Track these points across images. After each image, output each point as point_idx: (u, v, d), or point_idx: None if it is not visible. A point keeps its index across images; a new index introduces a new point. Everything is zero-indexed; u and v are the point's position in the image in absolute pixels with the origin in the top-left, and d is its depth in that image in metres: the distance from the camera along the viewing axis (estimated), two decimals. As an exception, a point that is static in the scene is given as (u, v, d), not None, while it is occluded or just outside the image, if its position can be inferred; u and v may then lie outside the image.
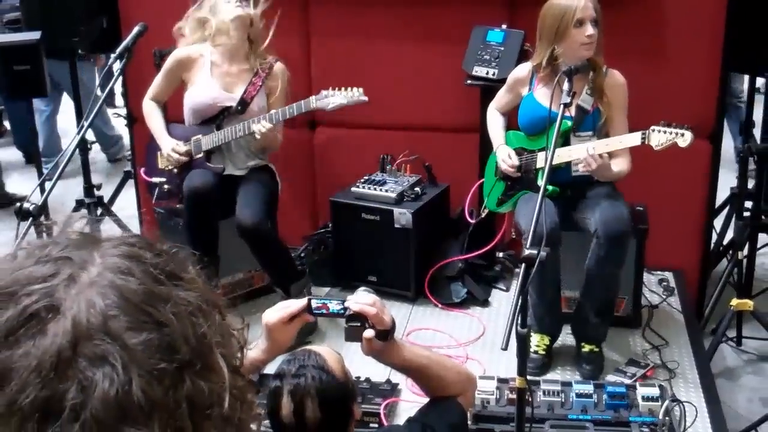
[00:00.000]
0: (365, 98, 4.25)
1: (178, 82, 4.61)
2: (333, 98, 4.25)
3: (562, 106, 3.47)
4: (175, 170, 4.58)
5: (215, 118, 4.53)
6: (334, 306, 2.38)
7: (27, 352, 0.92)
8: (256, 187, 4.50)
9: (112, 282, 0.97)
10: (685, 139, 3.75)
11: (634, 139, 3.89)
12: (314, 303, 2.39)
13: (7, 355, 0.92)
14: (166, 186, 4.63)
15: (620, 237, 3.94)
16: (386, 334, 2.37)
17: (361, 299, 2.37)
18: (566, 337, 4.36)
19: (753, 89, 5.24)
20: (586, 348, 4.19)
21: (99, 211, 5.71)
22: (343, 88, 4.26)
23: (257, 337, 2.36)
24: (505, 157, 4.26)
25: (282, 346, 2.43)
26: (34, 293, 0.95)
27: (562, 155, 3.99)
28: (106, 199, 5.95)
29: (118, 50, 4.19)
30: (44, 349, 0.91)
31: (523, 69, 4.27)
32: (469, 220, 4.76)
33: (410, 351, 2.45)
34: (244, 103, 4.49)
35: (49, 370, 0.91)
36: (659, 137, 3.79)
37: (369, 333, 2.33)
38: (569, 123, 4.02)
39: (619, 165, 4.03)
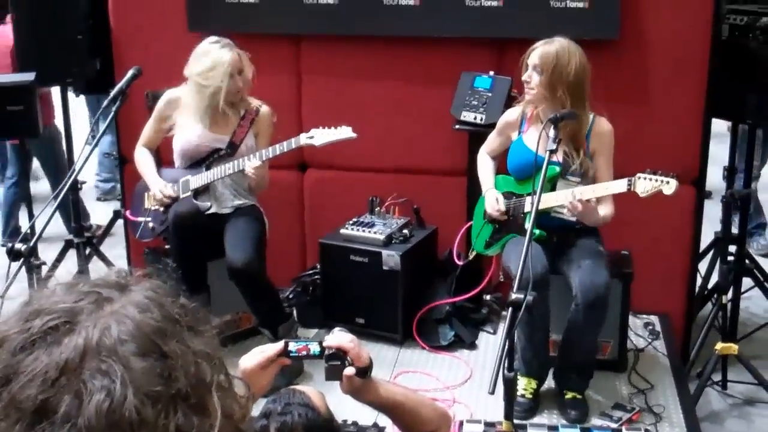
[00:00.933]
0: (354, 135, 4.31)
1: (169, 124, 4.64)
2: (322, 135, 4.31)
3: (548, 152, 3.54)
4: (161, 209, 4.61)
5: (204, 159, 4.56)
6: (313, 348, 2.40)
7: (37, 358, 1.01)
8: (244, 227, 4.52)
9: (131, 314, 1.07)
10: (670, 186, 3.81)
11: (620, 186, 3.95)
12: (292, 346, 2.40)
13: (19, 359, 1.02)
14: (150, 224, 4.67)
15: (598, 304, 3.96)
16: (365, 371, 2.40)
17: (339, 337, 2.41)
18: (553, 381, 4.38)
19: (735, 135, 5.32)
20: (569, 395, 4.21)
21: (88, 251, 5.74)
22: (331, 127, 4.32)
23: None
24: (493, 202, 4.32)
25: (259, 391, 2.44)
26: (58, 312, 1.06)
27: (549, 200, 4.04)
28: (94, 239, 5.98)
29: (112, 93, 4.23)
30: (54, 357, 1.01)
31: (513, 113, 4.33)
32: (457, 262, 4.80)
33: (386, 389, 2.47)
34: (233, 146, 4.53)
35: (53, 375, 0.99)
36: (645, 184, 3.84)
37: (350, 370, 2.35)
38: (557, 169, 4.07)
39: (604, 210, 4.09)
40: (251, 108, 4.58)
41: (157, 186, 4.59)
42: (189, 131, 4.55)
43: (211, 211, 4.59)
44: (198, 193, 4.58)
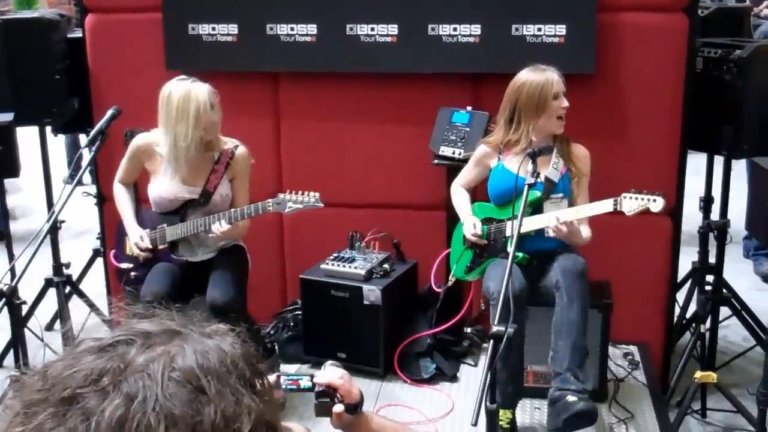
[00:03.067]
0: (321, 204, 4.29)
1: (142, 167, 4.59)
2: (290, 203, 4.27)
3: (526, 186, 3.58)
4: (141, 259, 4.57)
5: (178, 210, 4.51)
6: (304, 382, 2.42)
7: (95, 360, 1.12)
8: (227, 266, 4.52)
9: (192, 352, 1.15)
10: (657, 204, 3.88)
11: (606, 206, 4.00)
12: (283, 379, 2.43)
13: (82, 357, 1.13)
14: (132, 273, 4.63)
15: (578, 278, 4.02)
16: (355, 407, 2.41)
17: (329, 374, 2.43)
18: (534, 412, 4.41)
19: (711, 167, 5.38)
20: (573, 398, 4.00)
21: (68, 290, 5.72)
22: (300, 193, 4.28)
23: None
24: (470, 227, 4.35)
25: None
26: (134, 332, 1.17)
27: (532, 223, 4.08)
28: (74, 278, 5.97)
29: (92, 133, 4.26)
30: (107, 363, 1.11)
31: (488, 143, 4.39)
32: (436, 290, 4.82)
33: (378, 423, 2.48)
34: (207, 194, 4.47)
35: (94, 376, 1.09)
36: (631, 203, 3.91)
37: (339, 408, 2.37)
38: (538, 193, 4.12)
39: (586, 231, 4.15)
40: (226, 150, 4.50)
41: (134, 238, 4.52)
42: (161, 183, 4.47)
43: (197, 258, 4.59)
44: (175, 243, 4.56)
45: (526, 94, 4.14)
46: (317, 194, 4.29)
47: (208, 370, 1.13)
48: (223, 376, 1.13)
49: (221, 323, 3.84)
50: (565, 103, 4.16)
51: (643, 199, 3.89)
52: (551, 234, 4.08)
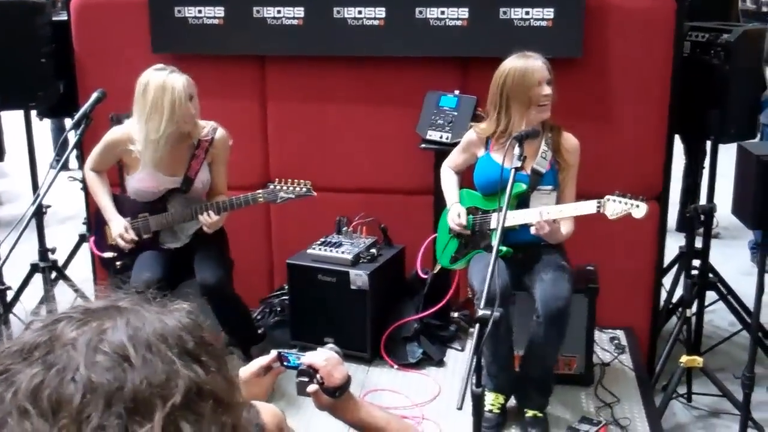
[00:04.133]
0: (313, 193, 4.27)
1: (116, 159, 4.53)
2: (280, 192, 4.26)
3: (513, 170, 3.56)
4: (126, 250, 4.50)
5: (161, 199, 4.46)
6: (293, 359, 2.45)
7: (33, 334, 1.16)
8: (211, 247, 4.50)
9: (124, 325, 1.17)
10: (639, 210, 3.85)
11: (589, 207, 3.98)
12: (283, 354, 2.46)
13: (24, 335, 1.16)
14: (118, 263, 4.56)
15: (558, 316, 3.98)
16: (334, 390, 2.43)
17: (314, 354, 2.44)
18: (514, 399, 4.41)
19: (698, 152, 5.39)
20: (529, 414, 4.22)
21: (54, 275, 5.70)
22: (291, 182, 4.27)
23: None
24: (455, 216, 4.33)
25: (256, 398, 2.48)
26: (78, 310, 1.20)
27: (517, 217, 4.07)
28: (60, 263, 5.94)
29: (76, 116, 4.21)
30: (39, 337, 1.14)
31: (478, 130, 4.35)
32: (422, 276, 4.82)
33: (367, 412, 2.48)
34: (188, 182, 4.42)
35: (27, 348, 1.13)
36: (615, 207, 3.88)
37: (312, 387, 2.41)
38: (524, 186, 4.10)
39: (566, 227, 4.13)
40: (204, 135, 4.44)
41: (117, 230, 4.44)
42: (141, 176, 4.40)
43: (178, 245, 4.56)
44: (158, 232, 4.52)
45: (510, 82, 4.09)
46: (309, 183, 4.26)
47: (138, 341, 1.13)
48: (155, 346, 1.14)
49: (213, 305, 3.86)
50: (546, 91, 4.05)
51: (626, 204, 3.86)
52: (533, 232, 4.06)
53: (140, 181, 4.42)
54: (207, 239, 4.52)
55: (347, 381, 2.43)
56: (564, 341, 4.13)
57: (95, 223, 4.71)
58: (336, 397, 2.42)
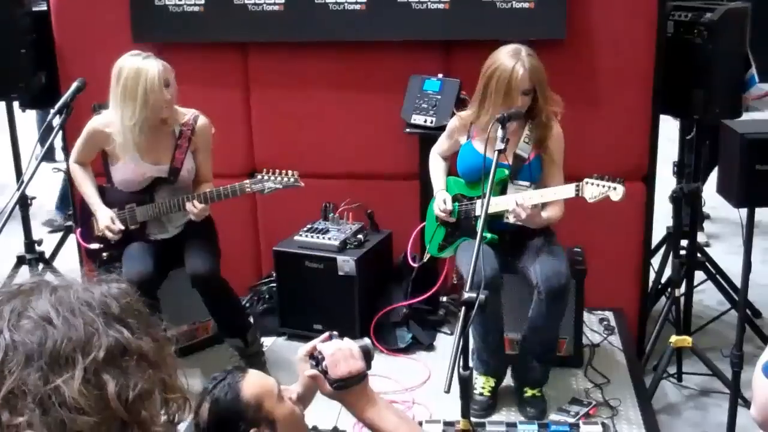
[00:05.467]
0: (301, 184, 4.23)
1: (99, 150, 4.47)
2: (268, 182, 4.22)
3: (496, 152, 3.54)
4: (112, 241, 4.45)
5: (147, 189, 4.42)
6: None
7: None
8: (201, 238, 4.47)
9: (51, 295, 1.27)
10: (617, 192, 3.84)
11: (568, 191, 3.97)
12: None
13: None
14: (104, 254, 4.53)
15: (560, 291, 4.00)
16: (334, 382, 2.44)
17: (328, 343, 2.51)
18: (511, 379, 4.40)
19: (684, 131, 5.38)
20: (528, 392, 4.23)
21: (41, 267, 5.68)
22: (278, 172, 4.23)
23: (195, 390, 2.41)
24: (440, 204, 4.32)
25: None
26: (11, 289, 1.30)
27: (499, 204, 4.05)
28: (47, 254, 5.92)
29: (57, 106, 4.19)
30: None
31: (461, 117, 4.32)
32: (411, 264, 4.80)
33: (377, 413, 2.47)
34: (174, 172, 4.38)
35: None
36: (593, 190, 3.87)
37: (310, 372, 2.47)
38: (506, 172, 4.09)
39: (549, 212, 4.11)
40: (186, 122, 4.39)
41: (104, 222, 4.38)
42: (126, 167, 4.36)
43: (166, 236, 4.53)
44: (145, 223, 4.48)
45: (495, 83, 4.02)
46: (296, 173, 4.23)
47: (61, 305, 1.23)
48: (79, 310, 1.23)
49: (204, 295, 3.91)
50: (520, 102, 3.97)
51: (603, 186, 3.85)
52: (511, 220, 4.04)
53: (124, 171, 4.38)
54: (196, 229, 4.49)
55: (354, 377, 2.46)
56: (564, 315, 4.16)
57: (81, 214, 4.66)
58: (335, 389, 2.45)
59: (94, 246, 4.54)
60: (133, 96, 4.13)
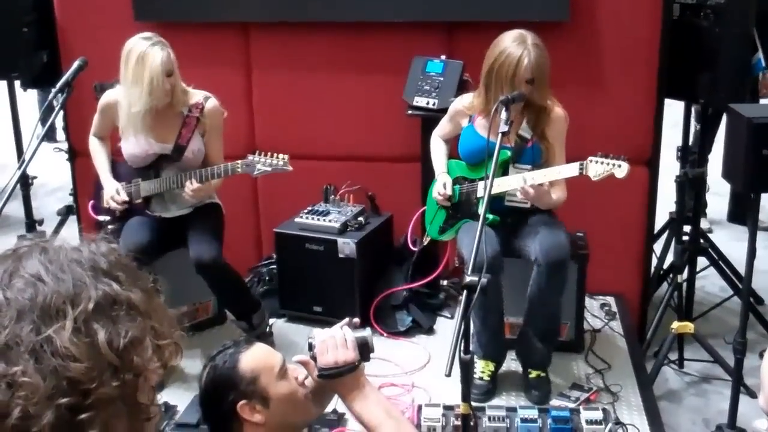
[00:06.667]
0: (290, 168, 4.19)
1: (112, 123, 4.51)
2: (258, 165, 4.19)
3: (500, 134, 3.50)
4: (117, 213, 4.49)
5: (152, 165, 4.44)
6: None
7: None
8: (206, 224, 4.47)
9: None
10: (622, 170, 3.81)
11: (572, 169, 3.94)
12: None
13: None
14: (109, 226, 4.56)
15: (560, 264, 3.98)
16: (320, 371, 2.45)
17: (328, 330, 2.51)
18: (511, 363, 4.39)
19: (689, 116, 5.34)
20: (533, 374, 4.22)
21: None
22: (269, 155, 4.19)
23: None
24: (440, 188, 4.30)
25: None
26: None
27: (501, 185, 4.02)
28: (47, 234, 5.90)
29: (58, 85, 4.16)
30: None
31: (464, 100, 4.30)
32: (412, 248, 4.78)
33: (365, 406, 2.45)
34: (179, 149, 4.38)
35: None
36: (597, 168, 3.84)
37: (297, 357, 2.49)
38: (508, 153, 4.06)
39: (557, 193, 4.08)
40: (196, 103, 4.39)
41: (109, 192, 4.44)
42: (131, 140, 4.38)
43: (171, 214, 4.52)
44: (149, 198, 4.49)
45: (499, 67, 3.98)
46: (286, 157, 4.20)
47: (51, 263, 1.28)
48: (68, 266, 1.28)
49: (209, 280, 3.92)
50: (524, 90, 3.92)
51: (607, 164, 3.82)
52: (519, 196, 4.02)
53: (130, 146, 4.41)
54: (203, 214, 4.51)
55: (341, 368, 2.44)
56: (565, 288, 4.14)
57: (95, 188, 4.71)
58: (319, 377, 2.45)
59: (102, 218, 4.58)
60: (140, 82, 4.15)
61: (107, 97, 4.47)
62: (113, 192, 4.43)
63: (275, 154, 4.20)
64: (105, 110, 4.48)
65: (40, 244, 1.33)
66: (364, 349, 2.51)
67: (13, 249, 1.33)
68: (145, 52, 4.14)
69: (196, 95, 4.42)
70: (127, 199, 4.42)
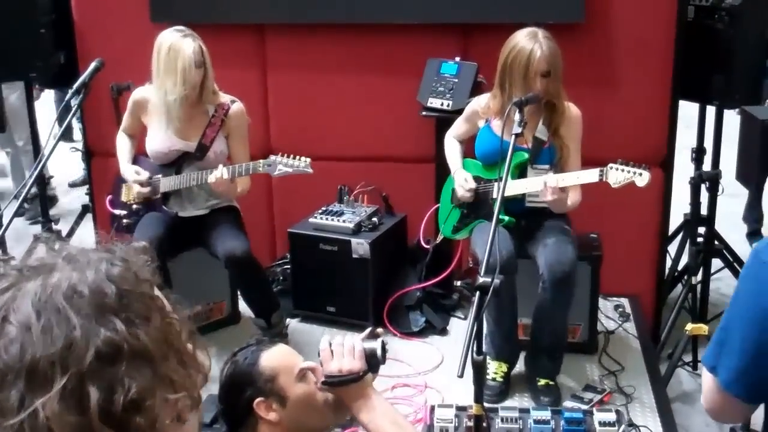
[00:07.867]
0: (311, 170, 4.22)
1: (140, 120, 4.56)
2: (280, 165, 4.21)
3: (513, 136, 3.51)
4: (135, 206, 4.56)
5: (174, 162, 4.48)
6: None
7: None
8: (229, 221, 4.51)
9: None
10: (643, 179, 3.80)
11: (592, 176, 3.92)
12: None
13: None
14: (124, 220, 4.61)
15: (564, 280, 3.96)
16: (325, 378, 2.45)
17: (334, 339, 2.52)
18: (522, 365, 4.39)
19: (704, 117, 5.33)
20: (542, 382, 4.21)
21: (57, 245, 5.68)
22: (291, 157, 4.22)
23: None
24: (462, 182, 4.30)
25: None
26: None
27: (519, 187, 4.03)
28: (64, 234, 5.93)
29: (75, 86, 4.19)
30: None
31: (481, 101, 4.31)
32: (425, 246, 4.79)
33: (372, 418, 2.44)
34: (203, 148, 4.42)
35: None
36: (617, 175, 3.82)
37: (304, 363, 2.49)
38: (525, 155, 4.07)
39: (572, 197, 4.08)
40: (222, 104, 4.44)
41: (130, 176, 4.50)
42: (155, 136, 4.45)
43: (186, 213, 4.55)
44: (168, 195, 4.53)
45: (511, 63, 4.00)
46: (308, 159, 4.22)
47: (45, 305, 1.10)
48: (63, 310, 1.10)
49: (239, 275, 3.93)
50: (538, 84, 3.95)
51: (629, 172, 3.80)
52: (541, 197, 4.02)
53: (154, 142, 4.47)
54: (223, 213, 4.56)
55: (344, 377, 2.44)
56: (571, 306, 4.12)
57: (114, 182, 4.76)
58: (322, 384, 2.45)
59: (119, 212, 4.64)
60: (173, 71, 4.21)
61: (137, 92, 4.54)
62: (132, 174, 4.49)
63: (297, 156, 4.22)
64: (133, 106, 4.54)
65: (47, 264, 1.16)
66: (372, 360, 2.50)
67: (18, 268, 1.16)
68: (176, 42, 4.22)
69: (224, 98, 4.47)
70: (147, 178, 4.47)
